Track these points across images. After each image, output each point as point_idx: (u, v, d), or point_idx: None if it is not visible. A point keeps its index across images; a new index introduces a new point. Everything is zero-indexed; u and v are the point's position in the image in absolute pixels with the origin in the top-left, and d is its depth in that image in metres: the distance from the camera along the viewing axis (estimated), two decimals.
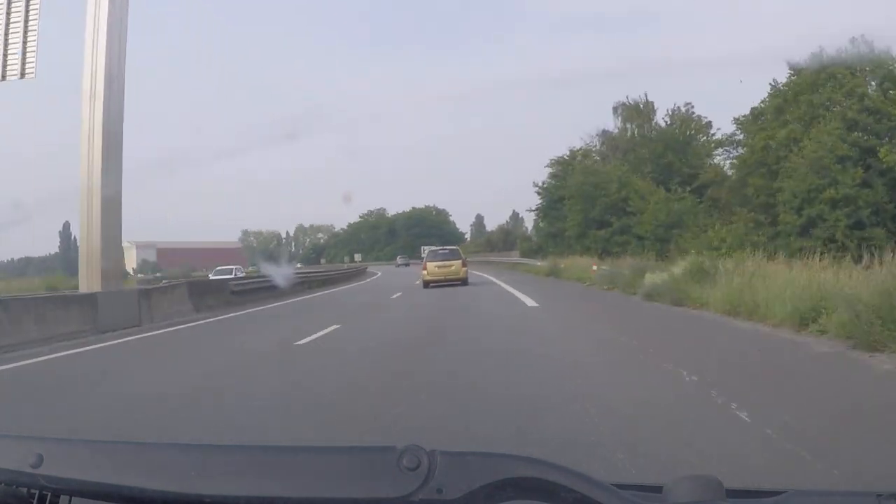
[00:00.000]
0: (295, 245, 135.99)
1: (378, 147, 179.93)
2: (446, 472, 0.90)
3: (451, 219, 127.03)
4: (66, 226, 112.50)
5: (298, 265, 74.27)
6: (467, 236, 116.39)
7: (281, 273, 27.15)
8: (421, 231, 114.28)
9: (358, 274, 46.32)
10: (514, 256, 50.46)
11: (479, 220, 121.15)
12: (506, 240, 72.60)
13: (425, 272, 25.90)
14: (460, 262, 26.25)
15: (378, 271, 55.09)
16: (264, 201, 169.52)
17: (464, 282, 25.08)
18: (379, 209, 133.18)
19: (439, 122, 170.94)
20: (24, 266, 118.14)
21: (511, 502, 0.90)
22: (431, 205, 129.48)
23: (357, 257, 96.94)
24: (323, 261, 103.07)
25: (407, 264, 73.50)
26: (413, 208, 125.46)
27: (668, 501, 0.93)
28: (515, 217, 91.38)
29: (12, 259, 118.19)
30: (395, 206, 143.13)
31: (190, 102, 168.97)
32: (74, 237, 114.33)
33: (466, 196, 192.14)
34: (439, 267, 25.80)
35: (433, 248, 30.16)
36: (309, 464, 1.01)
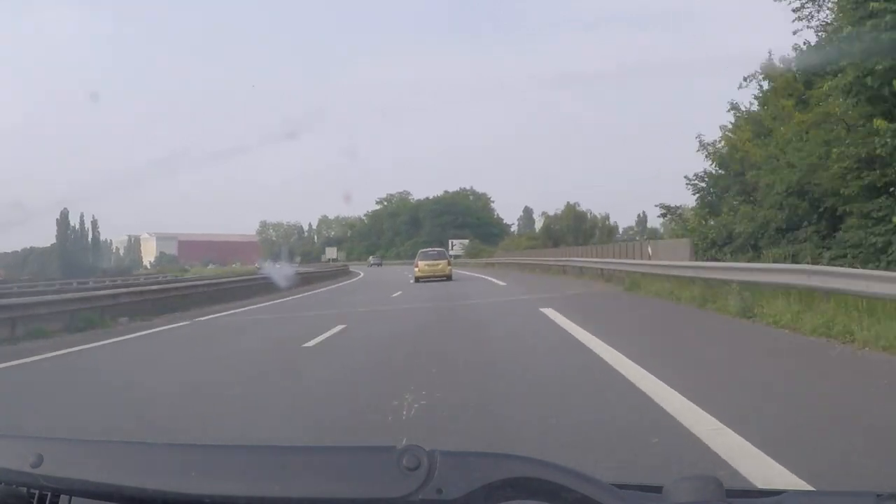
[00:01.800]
0: (317, 238, 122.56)
1: (413, 134, 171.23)
2: (446, 472, 0.90)
3: (493, 205, 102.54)
4: (65, 214, 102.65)
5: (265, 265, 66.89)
6: (513, 229, 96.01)
7: (282, 273, 26.75)
8: (452, 219, 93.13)
9: (313, 281, 30.77)
10: (649, 260, 20.45)
11: (528, 214, 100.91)
12: (577, 229, 50.82)
13: (417, 269, 30.35)
14: (446, 261, 31.64)
15: (360, 271, 46.84)
16: (288, 192, 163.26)
17: (448, 277, 29.68)
18: (401, 192, 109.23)
19: (492, 110, 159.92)
20: (25, 257, 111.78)
21: (511, 502, 0.90)
22: (468, 187, 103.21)
23: (330, 253, 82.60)
24: (324, 258, 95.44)
25: (380, 264, 73.29)
26: (445, 192, 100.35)
27: (667, 502, 0.93)
28: (572, 209, 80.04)
29: (16, 251, 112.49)
30: (425, 189, 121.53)
31: (215, 93, 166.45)
32: (74, 226, 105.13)
33: (511, 187, 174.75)
34: (429, 266, 30.49)
35: (426, 249, 34.30)
36: (309, 464, 1.01)
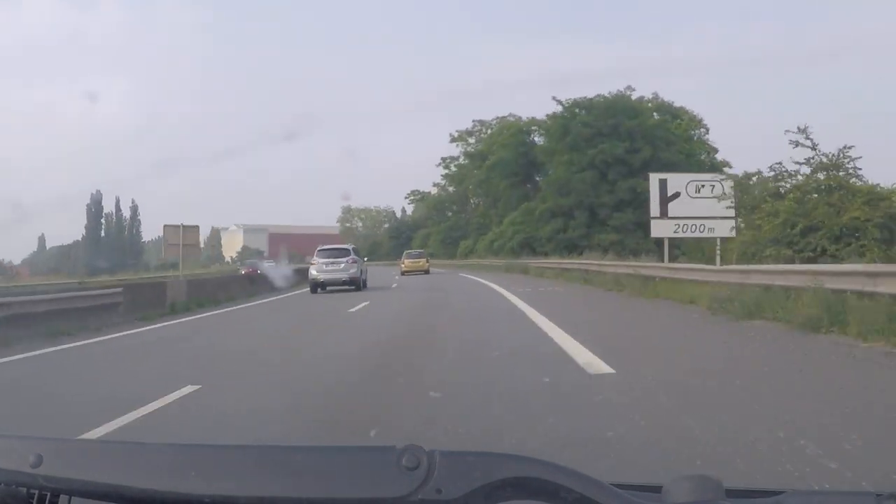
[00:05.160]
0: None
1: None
2: (446, 472, 0.90)
3: (708, 137, 44.98)
4: (97, 198, 78.21)
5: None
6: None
7: (279, 273, 26.63)
8: (616, 151, 38.63)
9: None
10: None
11: None
12: None
13: (403, 265, 38.26)
14: (425, 259, 39.47)
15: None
16: (381, 173, 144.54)
17: (426, 271, 36.87)
18: (501, 118, 54.16)
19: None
20: (70, 248, 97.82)
21: (510, 502, 0.91)
22: (649, 95, 44.30)
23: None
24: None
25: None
26: (587, 98, 41.73)
27: (667, 501, 0.93)
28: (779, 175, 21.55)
29: (63, 244, 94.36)
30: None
31: (301, 75, 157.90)
32: (108, 213, 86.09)
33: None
34: (412, 262, 38.37)
35: (410, 250, 41.10)
36: (309, 464, 1.01)
